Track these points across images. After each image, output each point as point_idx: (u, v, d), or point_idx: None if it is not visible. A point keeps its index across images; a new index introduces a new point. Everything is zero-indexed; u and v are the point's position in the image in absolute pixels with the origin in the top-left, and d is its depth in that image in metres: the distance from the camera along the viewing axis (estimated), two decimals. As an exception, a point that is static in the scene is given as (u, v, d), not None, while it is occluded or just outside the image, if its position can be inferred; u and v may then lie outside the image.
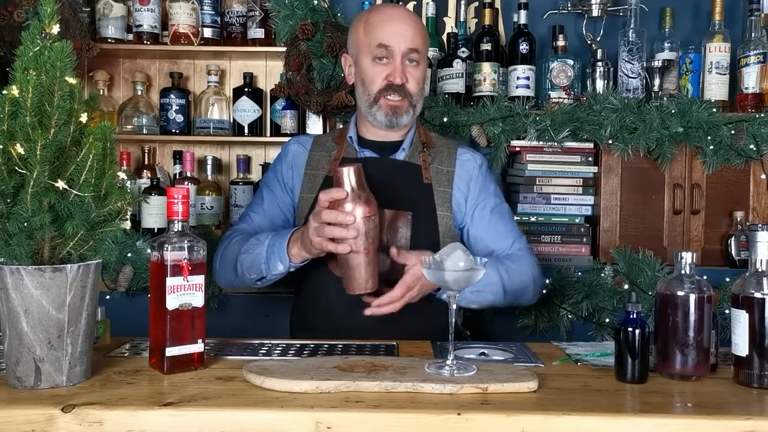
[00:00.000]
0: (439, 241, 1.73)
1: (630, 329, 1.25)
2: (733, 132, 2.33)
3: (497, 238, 1.80)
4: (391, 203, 1.71)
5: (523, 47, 2.53)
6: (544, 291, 2.24)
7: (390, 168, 1.79)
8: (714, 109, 2.34)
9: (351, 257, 1.50)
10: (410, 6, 2.78)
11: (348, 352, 1.45)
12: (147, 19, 2.55)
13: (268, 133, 2.72)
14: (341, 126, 2.46)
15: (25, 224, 1.12)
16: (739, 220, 2.39)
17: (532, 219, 2.44)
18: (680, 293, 1.27)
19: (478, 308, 1.77)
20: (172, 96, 2.64)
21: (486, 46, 2.51)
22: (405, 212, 1.71)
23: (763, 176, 2.41)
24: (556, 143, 2.38)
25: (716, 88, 2.49)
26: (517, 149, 2.43)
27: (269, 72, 2.79)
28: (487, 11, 2.55)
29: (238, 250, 1.71)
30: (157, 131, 2.66)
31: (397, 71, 1.72)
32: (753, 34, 2.48)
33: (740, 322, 1.24)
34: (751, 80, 2.46)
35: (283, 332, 1.95)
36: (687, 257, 1.29)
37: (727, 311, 1.79)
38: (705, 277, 1.31)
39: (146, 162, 2.71)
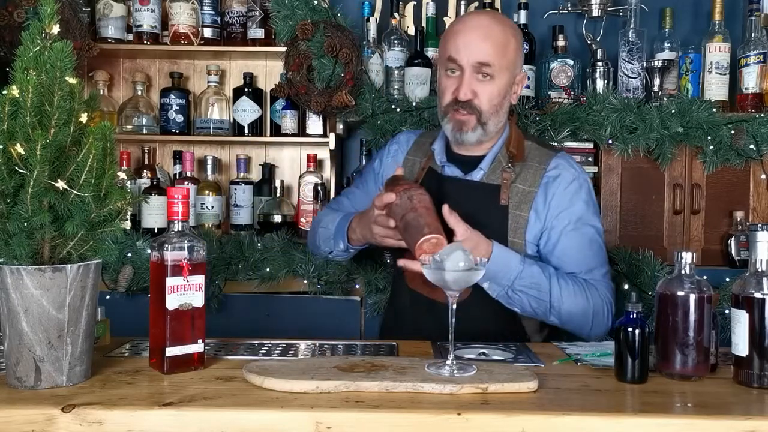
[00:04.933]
0: None
1: (630, 329, 1.25)
2: (733, 132, 2.33)
3: (564, 265, 1.66)
4: None
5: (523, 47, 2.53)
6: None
7: (463, 190, 1.70)
8: (714, 109, 2.34)
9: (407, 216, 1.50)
10: (410, 6, 2.79)
11: (348, 352, 1.45)
12: (147, 19, 2.55)
13: (268, 133, 2.72)
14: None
15: (25, 224, 1.12)
16: (739, 220, 2.39)
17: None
18: (680, 293, 1.27)
19: (520, 312, 1.64)
20: (172, 96, 2.64)
21: (486, 46, 2.50)
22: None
23: (763, 176, 2.41)
24: (556, 143, 2.38)
25: (716, 88, 2.49)
26: (517, 149, 2.43)
27: (269, 72, 2.79)
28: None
29: (321, 223, 1.85)
30: (157, 131, 2.66)
31: (462, 86, 1.63)
32: (753, 34, 2.48)
33: (740, 322, 1.24)
34: (751, 80, 2.46)
35: (283, 332, 1.95)
36: (687, 257, 1.29)
37: (727, 311, 1.79)
38: (705, 277, 1.31)
39: (146, 162, 2.71)
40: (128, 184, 1.30)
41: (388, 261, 2.24)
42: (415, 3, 2.79)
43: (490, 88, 1.65)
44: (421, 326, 1.69)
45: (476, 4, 2.74)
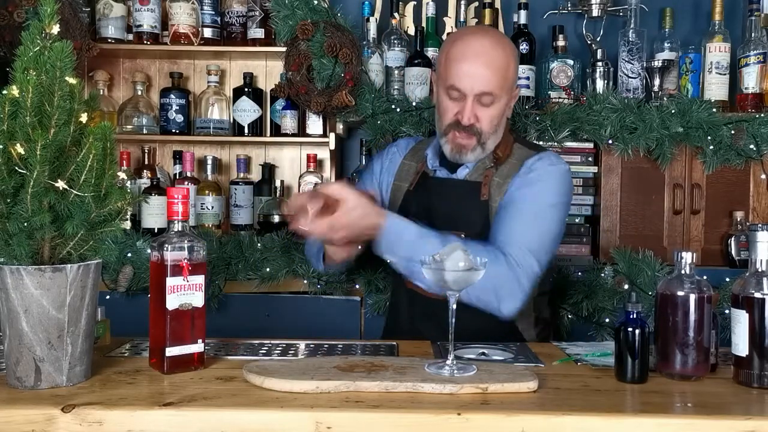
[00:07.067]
0: None
1: (630, 329, 1.25)
2: (733, 132, 2.33)
3: (493, 233, 1.63)
4: (446, 225, 1.63)
5: (523, 47, 2.53)
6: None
7: (448, 188, 1.75)
8: (714, 109, 2.34)
9: None
10: (410, 6, 2.78)
11: (348, 352, 1.45)
12: (147, 19, 2.55)
13: (268, 133, 2.72)
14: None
15: (25, 224, 1.12)
16: (739, 220, 2.39)
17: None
18: (680, 293, 1.27)
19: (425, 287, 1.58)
20: (172, 96, 2.64)
21: (486, 46, 2.50)
22: (457, 233, 1.62)
23: (763, 176, 2.41)
24: (556, 143, 2.38)
25: (716, 88, 2.49)
26: (517, 149, 2.42)
27: (269, 72, 2.79)
28: (487, 11, 2.55)
29: (309, 239, 1.83)
30: (157, 131, 2.66)
31: (466, 112, 1.64)
32: (753, 34, 2.48)
33: (740, 322, 1.24)
34: (751, 80, 2.46)
35: (283, 332, 1.95)
36: (687, 257, 1.29)
37: (727, 311, 1.79)
38: (705, 277, 1.31)
39: (146, 162, 2.71)
40: (128, 184, 1.30)
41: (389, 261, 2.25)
42: (415, 3, 2.78)
43: (491, 112, 1.67)
44: (420, 327, 1.70)
45: (476, 4, 2.74)
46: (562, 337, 2.20)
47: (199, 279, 1.28)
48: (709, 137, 2.33)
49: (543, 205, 1.64)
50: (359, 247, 1.66)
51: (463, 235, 1.61)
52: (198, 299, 1.28)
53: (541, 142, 2.37)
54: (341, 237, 1.53)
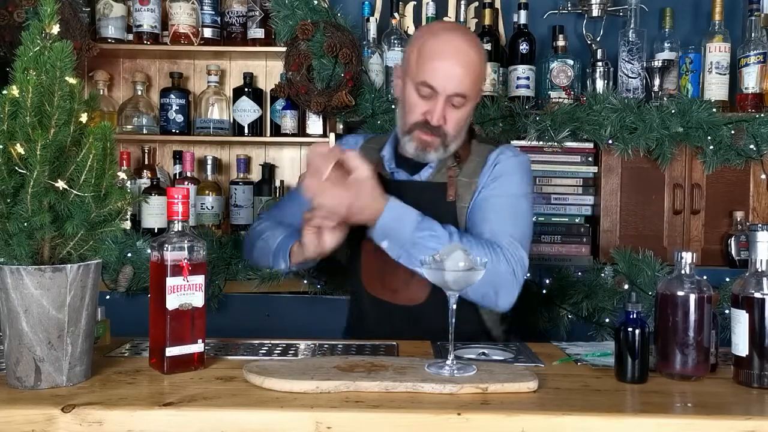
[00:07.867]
0: None
1: (630, 329, 1.25)
2: (733, 132, 2.33)
3: (473, 225, 1.63)
4: None
5: (523, 47, 2.53)
6: (544, 291, 2.24)
7: (412, 191, 1.68)
8: (714, 109, 2.35)
9: None
10: (410, 6, 2.78)
11: (348, 352, 1.45)
12: (147, 19, 2.55)
13: (268, 133, 2.72)
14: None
15: (25, 224, 1.12)
16: (739, 220, 2.39)
17: (533, 219, 2.44)
18: (680, 293, 1.27)
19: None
20: (172, 96, 2.64)
21: (486, 46, 2.50)
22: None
23: (763, 176, 2.41)
24: (556, 143, 2.38)
25: (716, 88, 2.49)
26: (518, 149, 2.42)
27: (269, 72, 2.79)
28: (487, 11, 2.55)
29: (262, 234, 1.78)
30: (157, 131, 2.66)
31: (436, 112, 1.60)
32: (753, 34, 2.48)
33: (740, 322, 1.24)
34: (751, 80, 2.46)
35: (284, 332, 1.95)
36: (687, 257, 1.29)
37: (727, 311, 1.79)
38: (705, 277, 1.31)
39: (146, 162, 2.71)
40: (128, 184, 1.30)
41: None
42: (415, 3, 2.78)
43: (459, 114, 1.64)
44: (384, 327, 1.69)
45: (476, 4, 2.74)
46: (562, 337, 2.20)
47: (199, 279, 1.27)
48: (709, 137, 2.33)
49: (517, 197, 1.67)
50: (342, 237, 1.62)
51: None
52: (198, 299, 1.28)
53: (541, 142, 2.38)
54: (344, 209, 1.50)
